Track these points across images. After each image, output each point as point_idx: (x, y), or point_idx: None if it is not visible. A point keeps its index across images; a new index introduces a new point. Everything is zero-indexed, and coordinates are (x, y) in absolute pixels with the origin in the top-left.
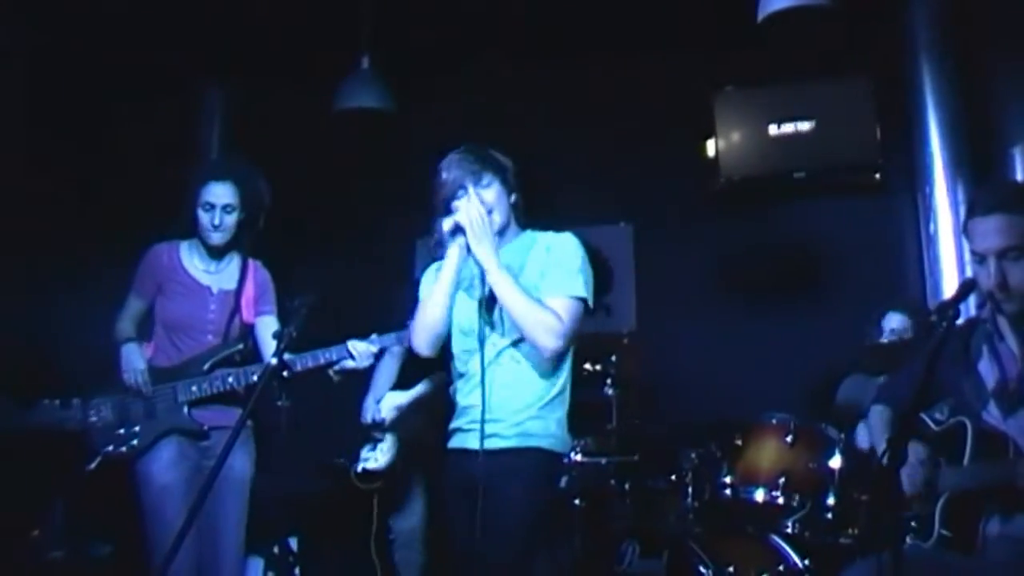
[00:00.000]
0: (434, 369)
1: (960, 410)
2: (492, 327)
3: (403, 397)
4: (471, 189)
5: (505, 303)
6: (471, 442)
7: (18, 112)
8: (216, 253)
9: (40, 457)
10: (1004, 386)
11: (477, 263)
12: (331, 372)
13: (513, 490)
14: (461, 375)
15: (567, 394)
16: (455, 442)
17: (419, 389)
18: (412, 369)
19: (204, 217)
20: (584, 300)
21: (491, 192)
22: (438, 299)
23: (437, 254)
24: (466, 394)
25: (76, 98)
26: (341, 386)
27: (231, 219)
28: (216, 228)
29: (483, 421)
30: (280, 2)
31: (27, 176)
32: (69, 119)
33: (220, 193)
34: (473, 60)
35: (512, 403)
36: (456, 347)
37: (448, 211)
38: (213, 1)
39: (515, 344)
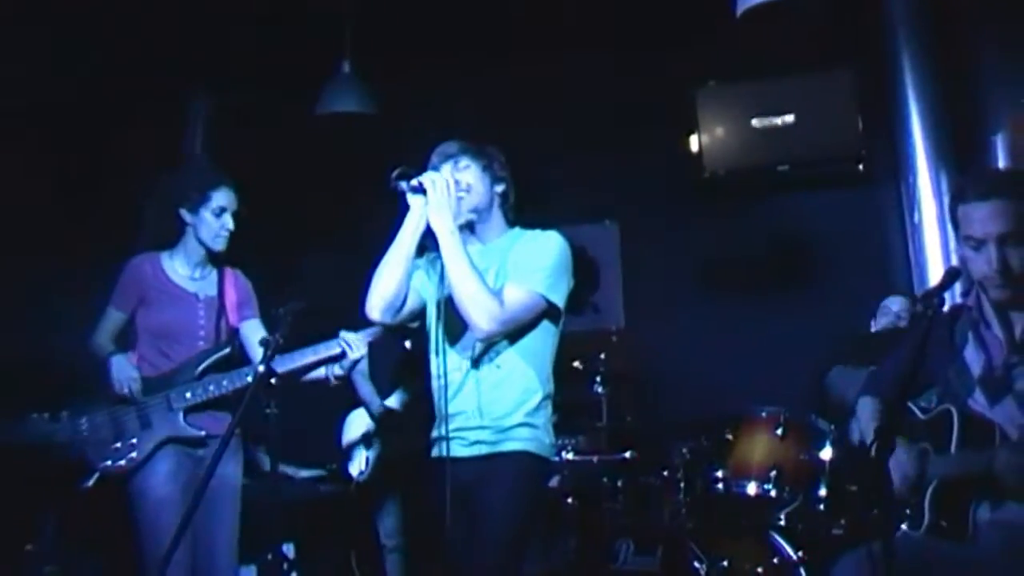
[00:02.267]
0: (408, 376)
1: (946, 398)
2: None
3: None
4: (445, 168)
5: (449, 271)
6: (456, 449)
7: (11, 124)
8: (207, 260)
9: (30, 471)
10: (990, 373)
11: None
12: (332, 377)
13: (500, 495)
14: (441, 382)
15: (551, 397)
16: (438, 450)
17: (396, 398)
18: (387, 378)
19: (214, 222)
20: (544, 298)
21: (468, 174)
22: (394, 261)
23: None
24: (447, 401)
25: (62, 110)
26: (330, 395)
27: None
28: (229, 233)
29: (448, 428)
30: (260, 9)
31: (14, 186)
32: (57, 131)
33: (232, 198)
34: (454, 61)
35: (496, 408)
36: (433, 355)
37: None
38: (194, 9)
39: (493, 348)
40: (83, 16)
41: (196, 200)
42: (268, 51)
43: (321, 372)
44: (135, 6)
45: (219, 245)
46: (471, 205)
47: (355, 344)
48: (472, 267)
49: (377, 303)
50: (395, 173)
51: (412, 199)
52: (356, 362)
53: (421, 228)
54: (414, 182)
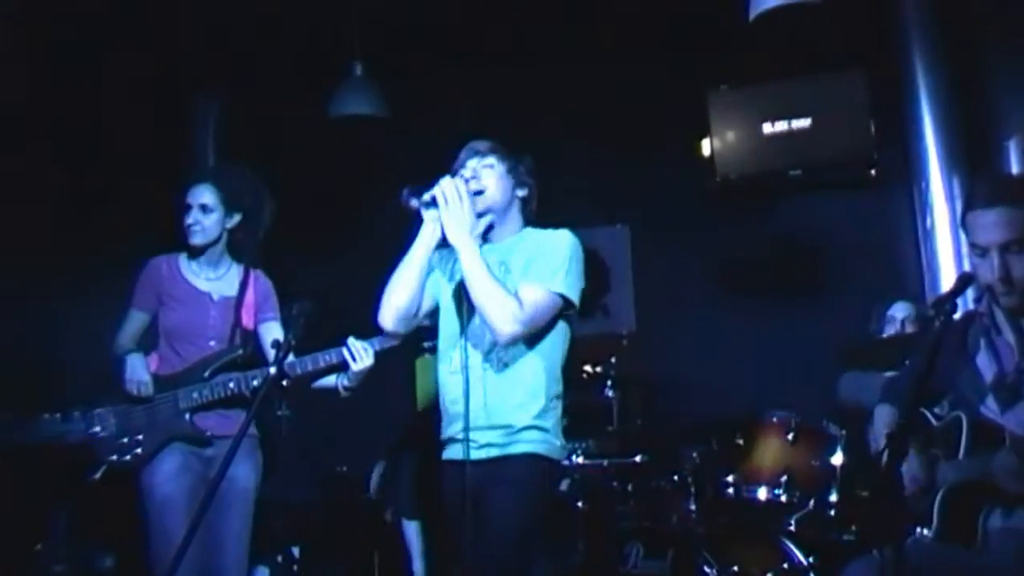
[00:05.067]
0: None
1: (958, 405)
2: (472, 331)
3: None
4: (471, 162)
5: (468, 280)
6: (464, 451)
7: (16, 122)
8: (206, 257)
9: (42, 471)
10: (1002, 380)
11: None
12: (341, 388)
13: (510, 496)
14: (450, 379)
15: (561, 399)
16: (449, 453)
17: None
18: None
19: (184, 219)
20: (562, 296)
21: (490, 173)
22: (407, 275)
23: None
24: (455, 400)
25: (70, 109)
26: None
27: (210, 219)
28: (192, 227)
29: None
30: (272, 10)
31: (25, 188)
32: (65, 130)
33: (196, 194)
34: (464, 63)
35: (504, 408)
36: (442, 352)
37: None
38: (205, 10)
39: (503, 346)
40: (91, 16)
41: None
42: (278, 52)
43: (332, 381)
44: (144, 6)
45: (192, 240)
46: (487, 204)
47: (360, 354)
48: (491, 274)
49: (390, 314)
50: (405, 191)
51: (426, 213)
52: (364, 373)
53: (435, 242)
54: (426, 197)
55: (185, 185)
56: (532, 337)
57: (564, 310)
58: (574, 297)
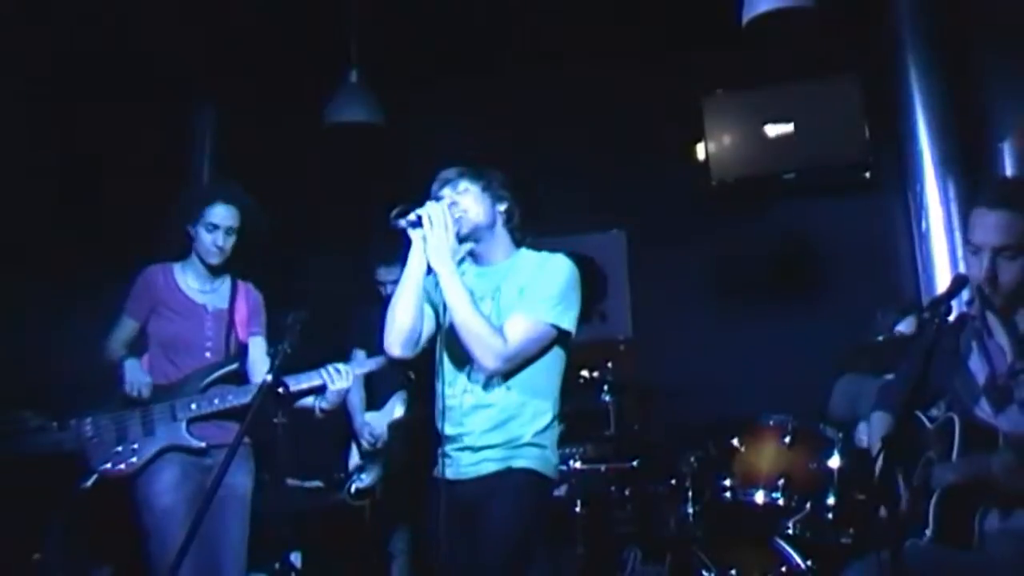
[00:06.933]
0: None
1: (953, 407)
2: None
3: (385, 417)
4: (445, 192)
5: (452, 311)
6: (463, 469)
7: (15, 133)
8: (212, 273)
9: (37, 480)
10: (994, 382)
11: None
12: (318, 409)
13: (504, 511)
14: (447, 401)
15: (558, 417)
16: (441, 468)
17: (395, 409)
18: (380, 388)
19: (207, 237)
20: (555, 326)
21: (466, 197)
22: (405, 298)
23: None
24: (454, 422)
25: (67, 118)
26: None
27: (231, 241)
28: (219, 249)
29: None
30: (267, 18)
31: (19, 197)
32: (62, 140)
33: (225, 215)
34: (461, 69)
35: (505, 429)
36: (437, 370)
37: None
38: (200, 18)
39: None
40: (88, 24)
41: (193, 215)
42: (275, 59)
43: (309, 402)
44: (141, 15)
45: (211, 259)
46: (471, 226)
47: (336, 377)
48: (475, 307)
49: (396, 339)
50: (393, 212)
51: (413, 234)
52: (342, 393)
53: (426, 261)
54: (411, 216)
55: (207, 200)
56: (528, 361)
57: (559, 338)
58: (568, 326)
